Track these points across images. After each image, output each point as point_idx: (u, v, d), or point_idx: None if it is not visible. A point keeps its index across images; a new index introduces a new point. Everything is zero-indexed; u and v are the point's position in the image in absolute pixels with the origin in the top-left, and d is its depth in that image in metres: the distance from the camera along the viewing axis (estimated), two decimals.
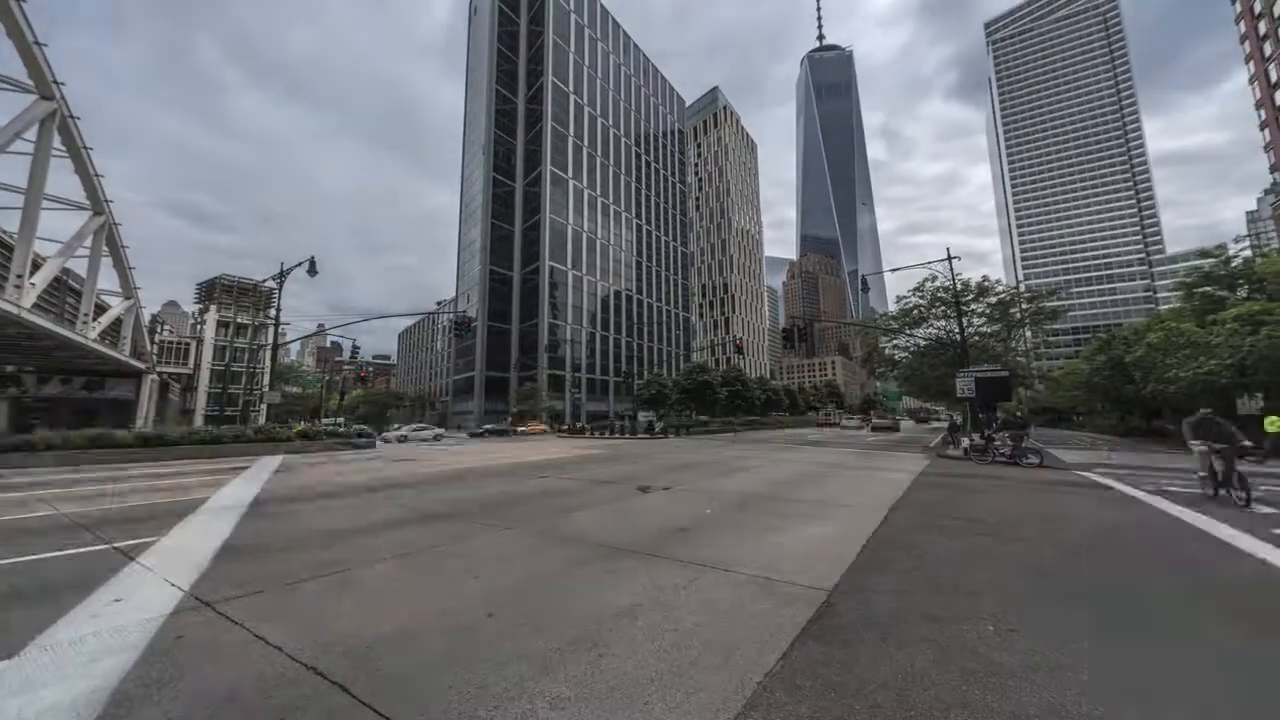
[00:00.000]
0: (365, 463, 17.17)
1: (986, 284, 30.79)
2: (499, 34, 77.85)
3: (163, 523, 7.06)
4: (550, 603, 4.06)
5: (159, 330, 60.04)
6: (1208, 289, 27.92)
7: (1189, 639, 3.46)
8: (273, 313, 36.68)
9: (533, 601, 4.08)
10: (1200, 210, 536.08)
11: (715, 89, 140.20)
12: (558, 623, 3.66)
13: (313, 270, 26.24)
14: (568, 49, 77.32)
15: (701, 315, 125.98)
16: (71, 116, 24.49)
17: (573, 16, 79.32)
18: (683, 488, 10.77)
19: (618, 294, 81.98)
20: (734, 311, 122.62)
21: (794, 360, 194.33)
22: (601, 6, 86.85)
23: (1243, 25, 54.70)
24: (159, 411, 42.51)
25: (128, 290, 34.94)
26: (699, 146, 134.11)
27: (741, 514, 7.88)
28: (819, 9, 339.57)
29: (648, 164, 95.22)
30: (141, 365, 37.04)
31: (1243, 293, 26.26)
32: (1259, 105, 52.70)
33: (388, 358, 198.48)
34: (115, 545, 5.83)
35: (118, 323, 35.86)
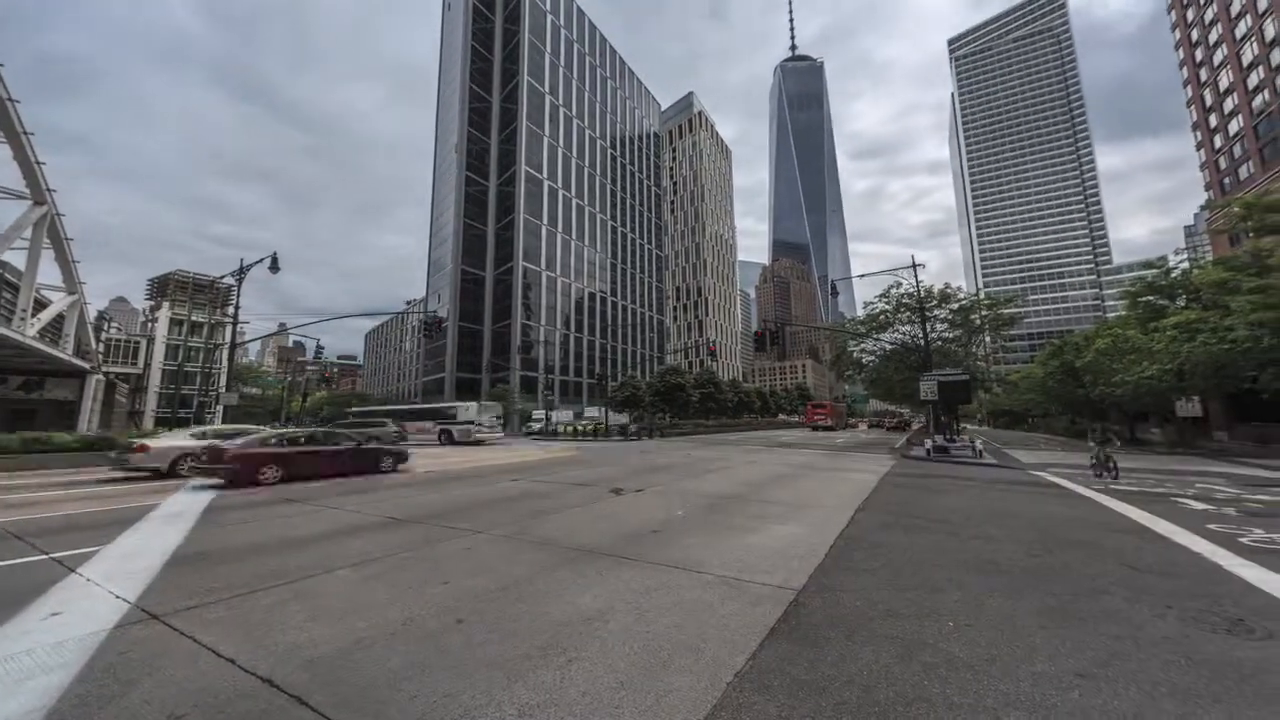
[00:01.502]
0: None
1: (949, 291, 31.92)
2: (473, 31, 76.76)
3: (107, 531, 6.68)
4: (521, 608, 4.00)
5: (106, 328, 56.75)
6: (1150, 298, 29.60)
7: (1121, 624, 3.65)
8: (231, 310, 35.19)
9: (503, 607, 4.02)
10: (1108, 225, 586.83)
11: (690, 94, 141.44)
12: (528, 628, 3.61)
13: (274, 267, 25.31)
14: (544, 49, 76.79)
15: (675, 318, 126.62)
16: (10, 100, 22.98)
17: (549, 17, 78.85)
18: (656, 489, 10.79)
19: (592, 296, 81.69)
20: (707, 314, 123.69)
21: (766, 363, 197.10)
22: (578, 8, 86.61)
23: (1181, 51, 58.39)
24: (104, 413, 40.19)
25: (71, 285, 32.92)
26: (674, 150, 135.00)
27: (713, 515, 7.94)
28: (791, 19, 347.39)
29: (623, 166, 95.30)
30: (85, 365, 34.94)
31: (1181, 302, 27.93)
32: (1195, 127, 56.30)
33: (354, 358, 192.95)
34: (53, 555, 5.48)
35: (60, 319, 33.76)
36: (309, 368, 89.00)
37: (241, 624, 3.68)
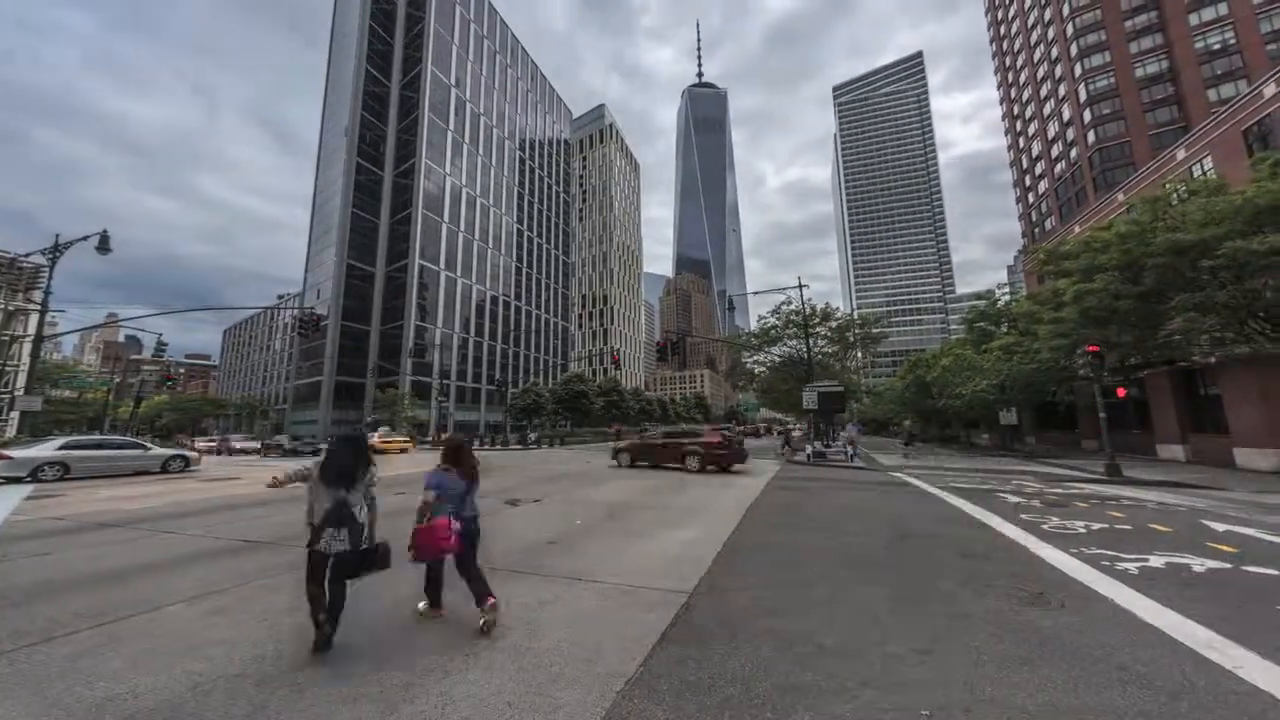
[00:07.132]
0: (170, 483, 14.19)
1: (828, 310, 35.36)
2: (372, 11, 71.18)
3: None
4: (399, 633, 3.71)
5: None
6: (982, 324, 35.12)
7: (954, 604, 4.26)
8: (38, 296, 28.74)
9: (377, 634, 3.69)
10: None
11: (602, 106, 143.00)
12: (407, 654, 3.35)
13: (104, 247, 21.25)
14: (451, 41, 73.27)
15: (581, 325, 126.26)
16: None
17: (458, 8, 75.53)
18: (554, 499, 10.60)
19: (494, 299, 78.77)
20: (613, 323, 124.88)
21: (667, 373, 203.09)
22: (490, 5, 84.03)
23: (1006, 122, 70.50)
24: None
25: None
26: (584, 159, 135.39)
27: (610, 523, 7.98)
28: (699, 47, 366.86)
29: (531, 170, 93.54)
30: None
31: (1004, 328, 33.44)
32: (1015, 184, 68.13)
33: (207, 358, 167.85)
34: None
35: None
36: (145, 367, 75.58)
37: (32, 680, 3.00)
